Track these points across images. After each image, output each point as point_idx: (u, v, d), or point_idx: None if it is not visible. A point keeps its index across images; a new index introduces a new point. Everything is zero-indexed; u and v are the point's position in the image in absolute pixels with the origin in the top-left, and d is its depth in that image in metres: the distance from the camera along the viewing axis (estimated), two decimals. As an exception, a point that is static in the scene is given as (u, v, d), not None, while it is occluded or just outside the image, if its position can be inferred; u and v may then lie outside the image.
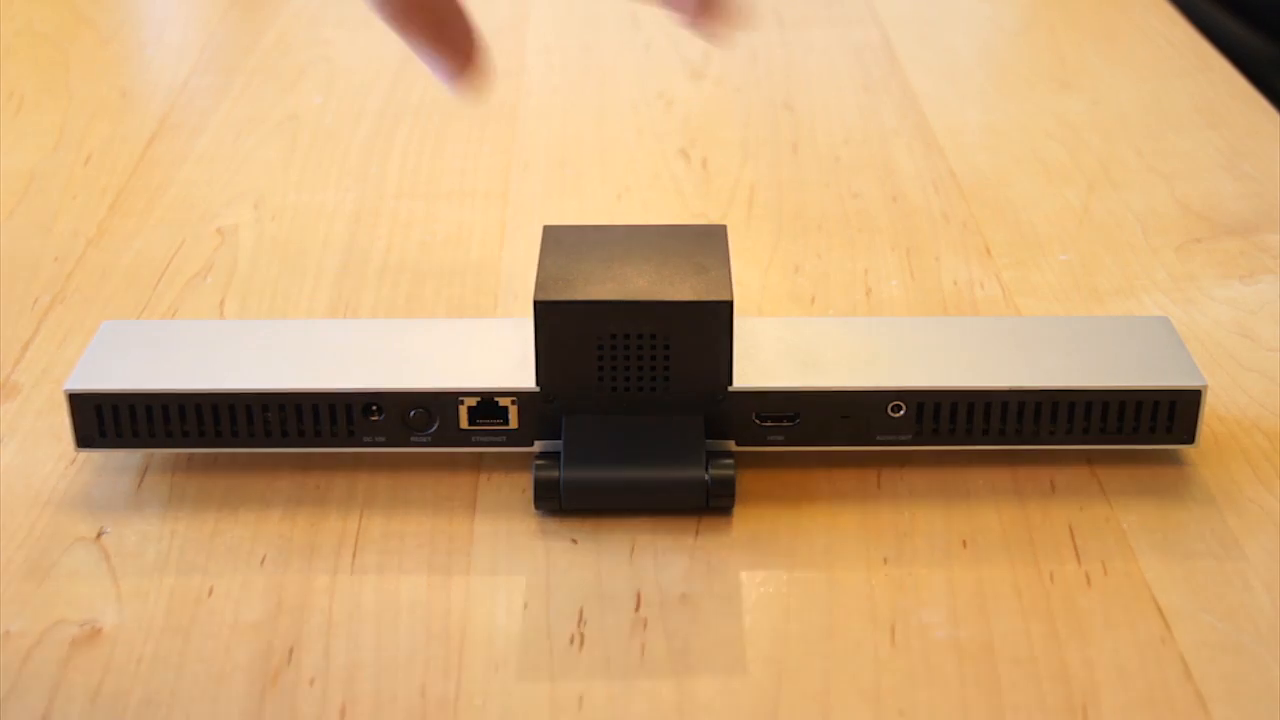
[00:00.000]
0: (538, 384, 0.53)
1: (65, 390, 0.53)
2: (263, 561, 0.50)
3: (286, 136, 0.81)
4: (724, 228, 0.56)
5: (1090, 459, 0.55)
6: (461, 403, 0.53)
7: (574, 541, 0.51)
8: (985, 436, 0.54)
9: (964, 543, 0.51)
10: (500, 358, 0.54)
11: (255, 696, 0.45)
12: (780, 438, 0.53)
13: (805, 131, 0.81)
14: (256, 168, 0.78)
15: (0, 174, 0.77)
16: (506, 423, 0.53)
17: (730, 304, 0.51)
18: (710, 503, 0.51)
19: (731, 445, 0.53)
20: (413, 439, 0.53)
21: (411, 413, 0.53)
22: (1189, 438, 0.53)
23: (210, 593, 0.49)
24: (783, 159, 0.78)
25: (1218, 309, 0.64)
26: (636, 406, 0.53)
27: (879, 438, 0.53)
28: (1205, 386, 0.53)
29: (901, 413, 0.53)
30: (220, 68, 0.91)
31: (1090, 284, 0.66)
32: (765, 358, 0.54)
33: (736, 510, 0.52)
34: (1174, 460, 0.55)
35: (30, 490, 0.54)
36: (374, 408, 0.53)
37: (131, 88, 0.90)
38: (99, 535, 0.51)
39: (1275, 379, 0.59)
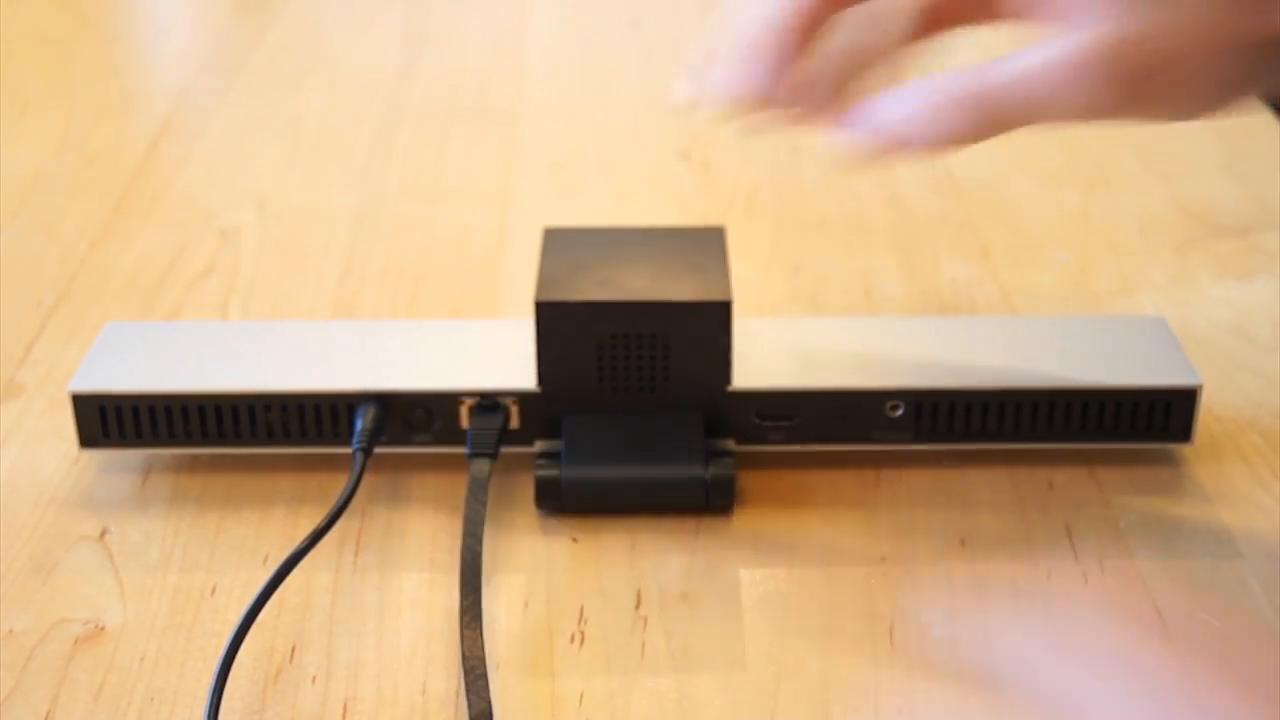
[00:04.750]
0: (538, 384, 0.53)
1: (69, 391, 0.53)
2: (265, 560, 0.51)
3: (289, 138, 0.82)
4: (722, 229, 0.56)
5: (1088, 459, 0.55)
6: (462, 403, 0.53)
7: (574, 540, 0.51)
8: (983, 436, 0.54)
9: (962, 541, 0.51)
10: (501, 358, 0.54)
11: (258, 694, 0.45)
12: (779, 437, 0.54)
13: (804, 133, 0.81)
14: (259, 169, 0.78)
15: (4, 175, 0.77)
16: (507, 422, 0.53)
17: (729, 304, 0.52)
18: (710, 502, 0.52)
19: (731, 445, 0.54)
20: (414, 439, 0.54)
21: (413, 413, 0.53)
22: (1185, 437, 0.54)
23: (213, 591, 0.49)
24: (782, 161, 0.79)
25: (1214, 309, 0.64)
26: (636, 406, 0.53)
27: (877, 437, 0.54)
28: (1201, 385, 0.53)
29: (900, 412, 0.53)
30: (223, 70, 0.91)
31: (1088, 284, 0.67)
32: (764, 358, 0.54)
33: (736, 510, 0.52)
34: (1171, 460, 0.55)
35: (34, 489, 0.54)
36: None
37: (135, 90, 0.90)
38: (102, 534, 0.52)
39: (1271, 378, 0.60)
